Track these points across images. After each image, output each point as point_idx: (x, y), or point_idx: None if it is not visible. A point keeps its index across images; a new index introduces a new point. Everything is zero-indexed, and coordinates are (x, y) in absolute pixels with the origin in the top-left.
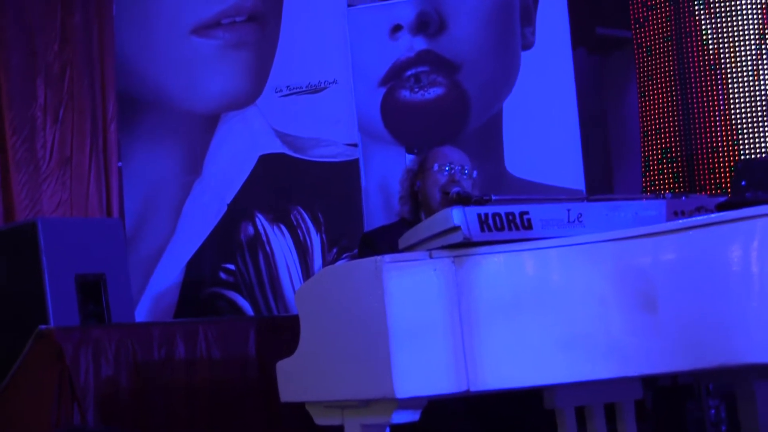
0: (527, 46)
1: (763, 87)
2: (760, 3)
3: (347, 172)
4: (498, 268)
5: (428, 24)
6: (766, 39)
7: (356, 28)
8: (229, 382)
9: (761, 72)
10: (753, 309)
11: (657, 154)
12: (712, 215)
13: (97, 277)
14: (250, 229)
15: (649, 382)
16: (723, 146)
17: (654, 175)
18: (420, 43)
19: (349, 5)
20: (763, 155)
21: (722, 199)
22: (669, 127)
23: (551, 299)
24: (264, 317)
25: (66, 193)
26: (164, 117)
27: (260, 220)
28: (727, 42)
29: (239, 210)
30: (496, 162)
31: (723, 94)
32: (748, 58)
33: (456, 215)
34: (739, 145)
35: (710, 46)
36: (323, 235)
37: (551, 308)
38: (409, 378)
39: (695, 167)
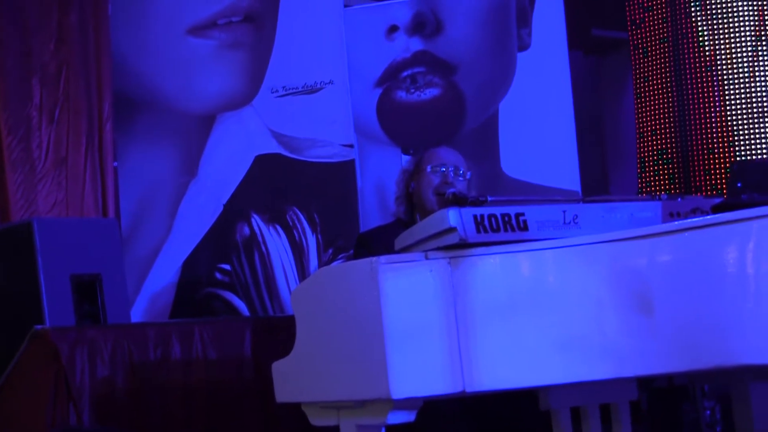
0: (523, 47)
1: (758, 88)
2: (756, 5)
3: (343, 173)
4: (494, 270)
5: (424, 25)
6: (761, 40)
7: (352, 29)
8: (224, 382)
9: (757, 73)
10: (748, 310)
11: (653, 155)
12: (708, 217)
13: (93, 278)
14: (246, 230)
15: (644, 383)
16: (718, 148)
17: (649, 176)
18: (416, 44)
19: (345, 6)
20: (759, 157)
21: (718, 200)
22: (665, 128)
23: (547, 300)
24: (260, 318)
25: (61, 193)
26: (160, 117)
27: (256, 220)
28: (722, 43)
29: (235, 210)
30: (492, 163)
31: (719, 96)
32: (744, 59)
33: (452, 216)
34: (734, 146)
35: (706, 48)
36: (319, 236)
37: (547, 309)
38: (405, 379)
39: (691, 168)
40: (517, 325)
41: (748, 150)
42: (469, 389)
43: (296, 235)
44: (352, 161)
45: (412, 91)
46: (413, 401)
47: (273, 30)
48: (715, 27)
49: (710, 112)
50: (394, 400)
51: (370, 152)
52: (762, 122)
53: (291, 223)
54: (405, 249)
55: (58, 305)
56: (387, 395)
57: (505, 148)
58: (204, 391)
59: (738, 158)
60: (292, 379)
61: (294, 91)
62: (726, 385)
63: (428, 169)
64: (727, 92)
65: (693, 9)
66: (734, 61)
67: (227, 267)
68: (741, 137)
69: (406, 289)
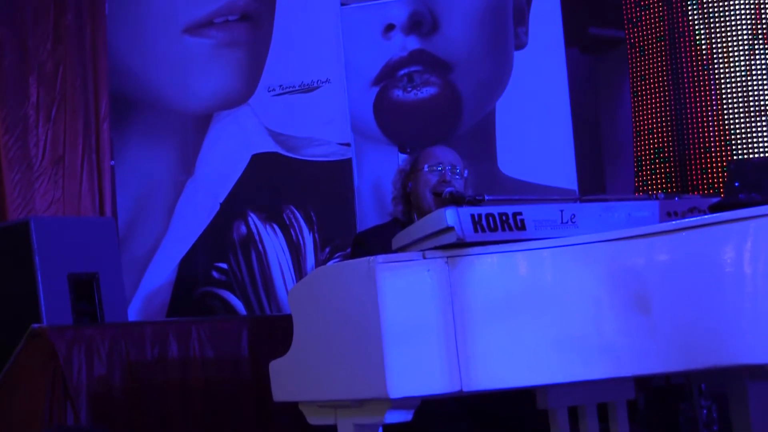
0: (520, 45)
1: (755, 87)
2: (753, 3)
3: (340, 172)
4: (491, 269)
5: (421, 23)
6: (758, 39)
7: (349, 28)
8: (222, 381)
9: (753, 72)
10: (746, 310)
11: (649, 154)
12: (705, 216)
13: (90, 276)
14: (243, 229)
15: (642, 382)
16: (715, 146)
17: (646, 175)
18: (413, 43)
19: (342, 4)
20: (756, 156)
21: (715, 200)
22: (661, 127)
23: (544, 300)
24: (257, 317)
25: (58, 192)
26: (157, 116)
27: (253, 219)
28: (719, 42)
29: (232, 209)
30: (488, 162)
31: (715, 95)
32: (740, 58)
33: (449, 216)
34: (731, 145)
35: (703, 47)
36: (316, 235)
37: (544, 309)
38: (403, 378)
39: (687, 167)
40: (514, 324)
41: (745, 149)
42: (466, 389)
43: (293, 233)
44: (349, 160)
45: (409, 89)
46: (411, 401)
47: (270, 29)
48: (711, 26)
49: (707, 111)
50: (391, 400)
51: (367, 151)
52: (758, 121)
53: (288, 222)
54: (402, 248)
55: (56, 304)
56: (384, 394)
57: (502, 146)
58: (201, 389)
59: (735, 157)
60: (289, 379)
61: (291, 89)
62: (723, 385)
63: (425, 168)
64: (723, 91)
65: (690, 7)
66: (731, 59)
67: (224, 266)
68: (738, 136)
69: (404, 289)
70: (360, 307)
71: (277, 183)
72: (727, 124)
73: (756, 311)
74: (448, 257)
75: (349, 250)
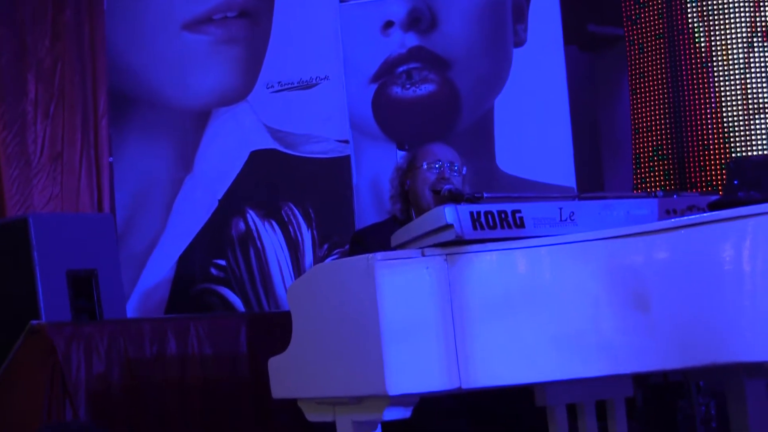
0: (519, 43)
1: (753, 85)
2: (751, 1)
3: (338, 169)
4: (490, 267)
5: (420, 20)
6: (756, 36)
7: (348, 24)
8: (220, 377)
9: (752, 69)
10: (745, 308)
11: (648, 152)
12: (704, 214)
13: (89, 273)
14: (241, 225)
15: (640, 379)
16: (714, 144)
17: (645, 173)
18: (411, 40)
19: (340, 1)
20: (755, 154)
21: (714, 197)
22: (660, 124)
23: (543, 297)
24: (255, 313)
25: (57, 189)
26: (155, 113)
27: (251, 215)
28: (718, 39)
29: (230, 206)
30: (487, 159)
31: (714, 92)
32: (739, 55)
33: (448, 213)
34: (730, 143)
35: (702, 44)
36: (314, 231)
37: (543, 306)
38: (401, 375)
39: (686, 165)
40: (513, 321)
41: (744, 146)
42: (465, 386)
43: (291, 230)
44: (348, 157)
45: (408, 86)
46: (409, 398)
47: (268, 25)
48: (710, 23)
49: (706, 109)
50: (390, 397)
51: (366, 148)
52: (757, 118)
53: (286, 219)
54: (401, 246)
55: (54, 301)
56: (383, 391)
57: (501, 144)
58: (199, 386)
59: (733, 155)
60: (288, 375)
61: (289, 86)
62: (721, 382)
63: (423, 166)
64: (722, 88)
65: (689, 5)
66: (729, 57)
67: (222, 262)
68: (736, 134)
69: (403, 286)
70: (359, 305)
71: (276, 180)
72: (725, 122)
73: (755, 309)
74: (447, 255)
75: (347, 247)
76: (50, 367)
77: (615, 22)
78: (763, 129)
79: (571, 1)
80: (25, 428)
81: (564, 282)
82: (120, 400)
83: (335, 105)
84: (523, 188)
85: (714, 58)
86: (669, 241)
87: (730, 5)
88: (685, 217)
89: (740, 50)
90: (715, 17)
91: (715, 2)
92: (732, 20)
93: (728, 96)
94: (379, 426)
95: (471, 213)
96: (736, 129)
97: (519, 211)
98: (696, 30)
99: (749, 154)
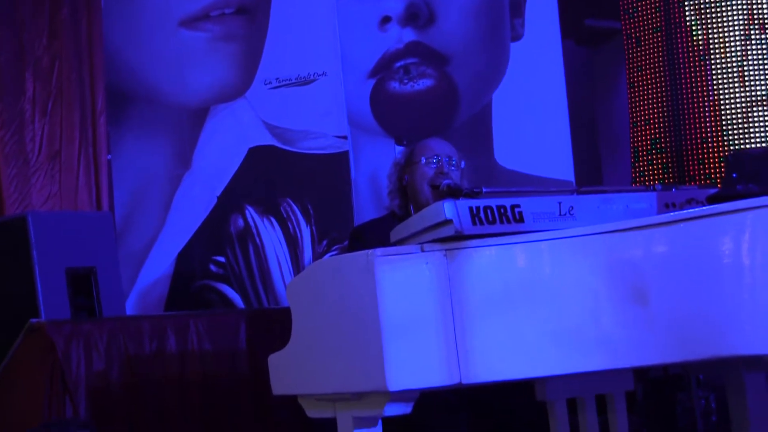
0: (516, 37)
1: (751, 77)
2: None
3: (337, 164)
4: (489, 261)
5: (417, 15)
6: (753, 28)
7: (345, 20)
8: (220, 374)
9: (749, 60)
10: (744, 301)
11: (646, 145)
12: (703, 208)
13: (88, 271)
14: (240, 222)
15: (640, 373)
16: (712, 137)
17: (643, 166)
18: (409, 35)
19: None
20: (754, 146)
21: (713, 191)
22: (658, 117)
23: (543, 292)
24: (254, 310)
25: (55, 187)
26: (153, 110)
27: (250, 212)
28: (715, 32)
29: (229, 202)
30: (485, 153)
31: (712, 85)
32: (737, 48)
33: (448, 208)
34: (728, 135)
35: (699, 37)
36: (313, 227)
37: (543, 301)
38: (402, 371)
39: (684, 158)
40: (513, 316)
41: (742, 139)
42: (465, 381)
43: (290, 226)
44: (346, 153)
45: (406, 82)
46: (410, 393)
47: (266, 21)
48: (707, 16)
49: (703, 102)
50: (390, 392)
51: (364, 143)
52: (755, 111)
53: (285, 215)
54: (400, 241)
55: (54, 299)
56: (384, 387)
57: (499, 138)
58: (199, 383)
59: (731, 148)
60: (288, 372)
61: (287, 82)
62: (721, 375)
63: (422, 161)
64: (720, 81)
65: None
66: (727, 49)
67: (222, 259)
68: (734, 127)
69: (402, 282)
70: (359, 301)
71: (274, 176)
72: (723, 115)
73: (754, 302)
74: (446, 250)
75: (346, 242)
76: (50, 365)
77: (612, 15)
78: (761, 121)
79: None
80: (25, 426)
81: (563, 276)
82: (120, 397)
83: (333, 101)
84: (521, 182)
85: (711, 51)
86: (668, 234)
87: None
88: (684, 211)
89: (738, 43)
90: (712, 10)
91: None
92: (729, 13)
93: (726, 89)
94: (380, 422)
95: (470, 208)
96: (734, 122)
97: (518, 206)
98: (693, 23)
99: (747, 146)
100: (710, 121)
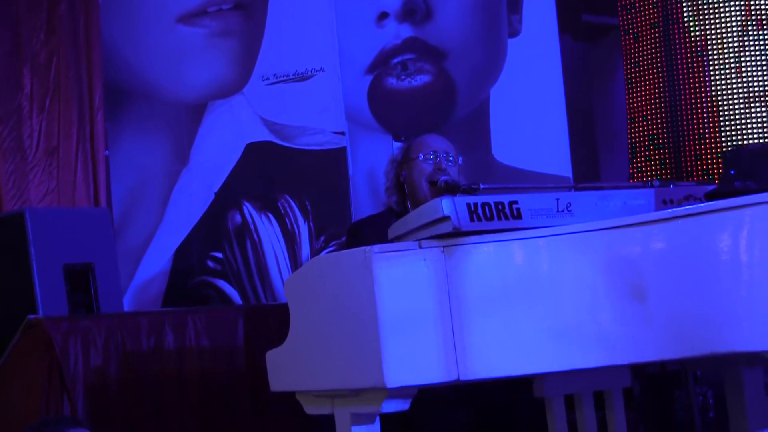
0: (514, 33)
1: (748, 72)
2: None
3: (335, 160)
4: (487, 258)
5: (414, 11)
6: (751, 24)
7: (343, 16)
8: (217, 370)
9: (746, 57)
10: (742, 298)
11: (643, 141)
12: (702, 204)
13: (86, 267)
14: (238, 218)
15: (638, 369)
16: (710, 133)
17: (641, 162)
18: (406, 31)
19: None
20: (751, 143)
21: (711, 187)
22: (656, 113)
23: (541, 289)
24: (252, 306)
25: (53, 183)
26: (151, 106)
27: (248, 208)
28: (713, 28)
29: (227, 198)
30: (483, 149)
31: (709, 81)
32: (734, 43)
33: (445, 205)
34: (725, 131)
35: (697, 33)
36: (311, 223)
37: (541, 297)
38: (400, 367)
39: (682, 154)
40: (511, 313)
41: (739, 135)
42: (463, 378)
43: (288, 222)
44: (344, 148)
45: (403, 77)
46: (408, 390)
47: (263, 17)
48: (705, 12)
49: (701, 98)
50: (388, 389)
51: (362, 139)
52: (752, 106)
53: (283, 211)
54: (398, 238)
55: (51, 295)
56: (381, 384)
57: (496, 134)
58: (197, 379)
59: (729, 144)
60: (286, 368)
61: (285, 78)
62: (719, 371)
63: (419, 157)
64: (717, 77)
65: None
66: (724, 45)
67: (219, 255)
68: (732, 122)
69: (400, 278)
70: (357, 297)
71: (272, 172)
72: (721, 111)
73: (752, 299)
74: (444, 246)
75: (344, 238)
76: (48, 361)
77: (610, 11)
78: (759, 117)
79: None
80: (23, 423)
81: (561, 273)
82: (118, 394)
83: (331, 97)
84: (518, 178)
85: (709, 47)
86: (666, 231)
87: None
88: (682, 208)
89: (735, 39)
90: (710, 6)
91: None
92: (726, 9)
93: (724, 85)
94: (378, 418)
95: (468, 205)
96: (732, 118)
97: (516, 203)
98: (691, 19)
99: (745, 142)
100: (708, 117)
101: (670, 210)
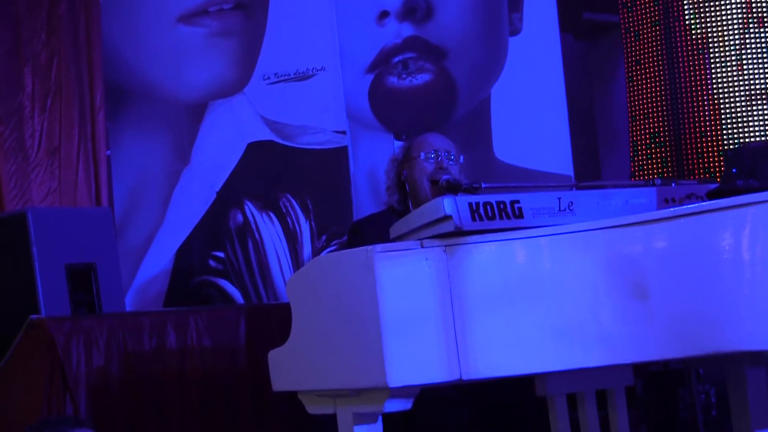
0: (515, 31)
1: (749, 70)
2: None
3: (336, 159)
4: (489, 257)
5: (415, 10)
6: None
7: (343, 15)
8: (219, 370)
9: (748, 55)
10: (744, 297)
11: (645, 139)
12: (703, 203)
13: (88, 267)
14: (239, 217)
15: (640, 368)
16: (711, 131)
17: (642, 160)
18: (407, 30)
19: None
20: (753, 141)
21: (713, 186)
22: (657, 111)
23: (543, 288)
24: (254, 305)
25: (55, 182)
26: (152, 106)
27: (249, 207)
28: (713, 26)
29: (228, 198)
30: (484, 148)
31: (711, 79)
32: (735, 41)
33: (447, 204)
34: (727, 129)
35: (698, 31)
36: (312, 223)
37: (543, 297)
38: (402, 367)
39: (683, 152)
40: (513, 312)
41: (741, 133)
42: (465, 377)
43: (289, 222)
44: (345, 148)
45: (404, 76)
46: (410, 389)
47: (264, 17)
48: (705, 9)
49: (702, 95)
50: (391, 389)
51: (363, 138)
52: (754, 104)
53: (284, 210)
54: (400, 237)
55: (53, 295)
56: (384, 383)
57: (498, 133)
58: (199, 379)
59: (730, 141)
60: (288, 368)
61: (286, 78)
62: (722, 370)
63: (421, 156)
64: (718, 75)
65: None
66: (725, 43)
67: (221, 254)
68: (733, 120)
69: (402, 278)
70: (358, 297)
71: (273, 171)
72: (722, 109)
73: (754, 298)
74: (446, 246)
75: (345, 237)
76: (50, 361)
77: (610, 9)
78: (761, 115)
79: None
80: (25, 423)
81: (563, 272)
82: (120, 393)
83: (332, 96)
84: (520, 177)
85: (710, 45)
86: (668, 230)
87: None
88: (684, 206)
89: (736, 36)
90: (711, 4)
91: None
92: (727, 7)
93: (725, 82)
94: (380, 417)
95: (470, 204)
96: (733, 116)
97: (518, 202)
98: (692, 17)
99: (747, 140)
100: (709, 115)
101: (671, 209)
